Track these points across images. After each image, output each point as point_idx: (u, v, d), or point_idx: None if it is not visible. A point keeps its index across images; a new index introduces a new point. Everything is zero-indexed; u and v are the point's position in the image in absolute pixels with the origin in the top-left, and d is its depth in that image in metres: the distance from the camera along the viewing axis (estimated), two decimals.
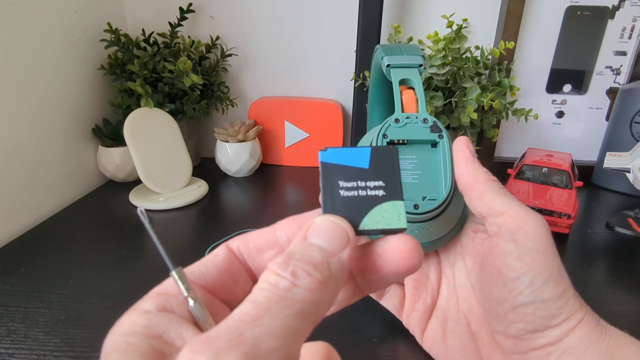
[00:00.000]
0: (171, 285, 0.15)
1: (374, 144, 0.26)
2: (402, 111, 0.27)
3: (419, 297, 0.27)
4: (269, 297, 0.12)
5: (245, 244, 0.17)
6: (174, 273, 0.14)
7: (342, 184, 0.16)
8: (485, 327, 0.24)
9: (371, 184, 0.16)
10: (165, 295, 0.14)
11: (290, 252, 0.14)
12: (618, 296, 0.41)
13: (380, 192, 0.16)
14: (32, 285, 0.41)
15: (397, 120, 0.26)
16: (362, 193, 0.16)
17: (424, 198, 0.25)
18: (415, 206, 0.24)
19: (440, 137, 0.25)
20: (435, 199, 0.24)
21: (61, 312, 0.37)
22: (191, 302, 0.14)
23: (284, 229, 0.17)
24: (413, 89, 0.28)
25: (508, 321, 0.21)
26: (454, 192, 0.25)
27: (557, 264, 0.21)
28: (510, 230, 0.21)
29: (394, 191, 0.16)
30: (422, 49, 0.73)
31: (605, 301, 0.40)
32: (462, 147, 0.24)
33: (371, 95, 0.39)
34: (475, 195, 0.23)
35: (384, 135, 0.26)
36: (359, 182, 0.16)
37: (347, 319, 0.36)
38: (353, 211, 0.16)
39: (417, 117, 0.26)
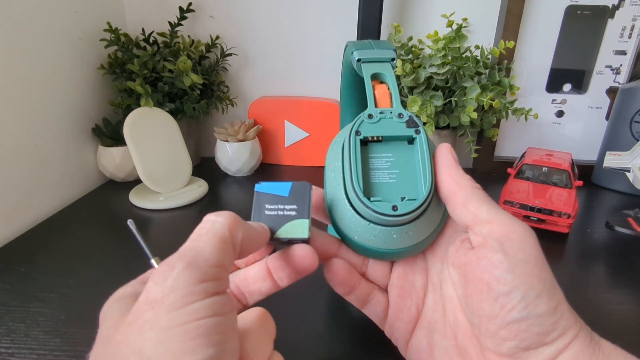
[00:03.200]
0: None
1: (346, 142, 0.24)
2: (376, 106, 0.25)
3: (404, 307, 0.26)
4: (200, 231, 0.20)
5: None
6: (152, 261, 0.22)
7: (267, 206, 0.23)
8: (473, 342, 0.22)
9: (287, 207, 0.23)
10: (142, 277, 0.21)
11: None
12: (618, 296, 0.41)
13: (293, 213, 0.23)
14: (32, 284, 0.41)
15: (370, 116, 0.24)
16: (280, 213, 0.23)
17: (402, 199, 0.23)
18: (394, 207, 0.22)
19: (417, 132, 0.24)
20: (415, 199, 0.22)
21: (61, 311, 0.37)
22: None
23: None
24: (386, 84, 0.26)
25: (500, 338, 0.20)
26: (434, 192, 0.23)
27: (549, 275, 0.20)
28: (498, 240, 0.20)
29: (303, 212, 0.23)
30: (422, 49, 0.73)
31: (605, 301, 0.40)
32: (445, 153, 0.23)
33: (342, 98, 0.36)
34: (459, 203, 0.22)
35: (357, 132, 0.24)
36: (279, 206, 0.23)
37: (347, 319, 0.36)
38: (272, 224, 0.23)
39: (391, 112, 0.24)
